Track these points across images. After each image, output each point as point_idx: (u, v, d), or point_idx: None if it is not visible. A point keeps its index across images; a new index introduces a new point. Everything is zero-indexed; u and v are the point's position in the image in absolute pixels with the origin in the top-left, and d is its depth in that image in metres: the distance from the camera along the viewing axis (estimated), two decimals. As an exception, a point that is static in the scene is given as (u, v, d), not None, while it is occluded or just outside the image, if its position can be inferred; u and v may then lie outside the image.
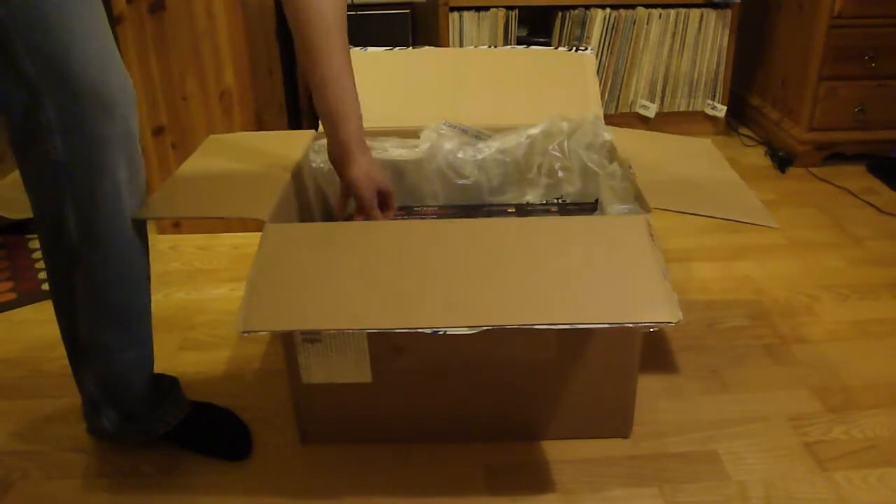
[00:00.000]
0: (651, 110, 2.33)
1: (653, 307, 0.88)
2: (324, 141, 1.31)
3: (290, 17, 1.00)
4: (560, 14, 2.24)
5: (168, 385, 1.15)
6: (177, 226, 1.85)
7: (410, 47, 1.46)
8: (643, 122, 2.36)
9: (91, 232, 0.94)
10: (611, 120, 2.13)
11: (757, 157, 2.27)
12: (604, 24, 2.23)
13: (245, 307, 0.90)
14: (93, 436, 1.17)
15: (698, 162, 1.23)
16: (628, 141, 1.29)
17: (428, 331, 0.86)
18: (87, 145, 0.88)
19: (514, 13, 2.22)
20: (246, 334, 0.88)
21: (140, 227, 1.00)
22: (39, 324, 1.50)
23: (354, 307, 0.89)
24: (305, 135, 1.33)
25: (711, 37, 2.27)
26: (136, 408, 1.10)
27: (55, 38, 0.83)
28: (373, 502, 1.06)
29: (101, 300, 0.99)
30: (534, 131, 1.31)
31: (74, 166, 0.89)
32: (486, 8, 2.21)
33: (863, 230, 1.81)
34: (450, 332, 0.86)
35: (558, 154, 1.31)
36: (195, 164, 1.21)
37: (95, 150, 0.89)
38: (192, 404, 1.17)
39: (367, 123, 1.34)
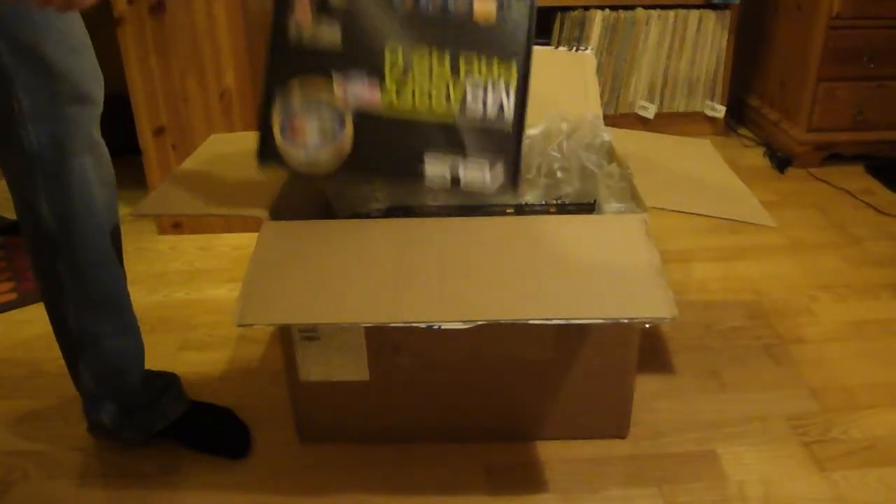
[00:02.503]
0: (650, 111, 2.34)
1: (648, 304, 0.88)
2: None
3: None
4: (559, 15, 2.25)
5: (167, 381, 1.16)
6: (177, 226, 1.86)
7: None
8: (642, 123, 2.37)
9: (64, 218, 0.96)
10: (610, 120, 2.13)
11: (756, 157, 2.27)
12: (603, 25, 2.24)
13: (241, 301, 0.91)
14: (93, 434, 1.18)
15: (697, 162, 1.24)
16: (627, 141, 1.29)
17: (422, 325, 0.87)
18: (56, 133, 0.90)
19: (514, 14, 2.22)
20: (242, 327, 0.89)
21: (110, 215, 1.01)
22: (39, 324, 1.50)
23: (350, 302, 0.90)
24: (305, 135, 1.33)
25: (710, 38, 2.28)
26: (134, 400, 1.11)
27: (30, 25, 0.84)
28: (372, 501, 1.06)
29: (85, 287, 1.01)
30: (533, 132, 1.32)
31: (45, 153, 0.91)
32: (486, 9, 2.21)
33: (861, 231, 1.81)
34: (444, 326, 0.87)
35: (557, 154, 1.31)
36: (195, 162, 1.21)
37: (65, 137, 0.91)
38: (192, 402, 1.18)
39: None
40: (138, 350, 1.11)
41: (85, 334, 1.05)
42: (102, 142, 0.99)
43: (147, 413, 1.13)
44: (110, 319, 1.06)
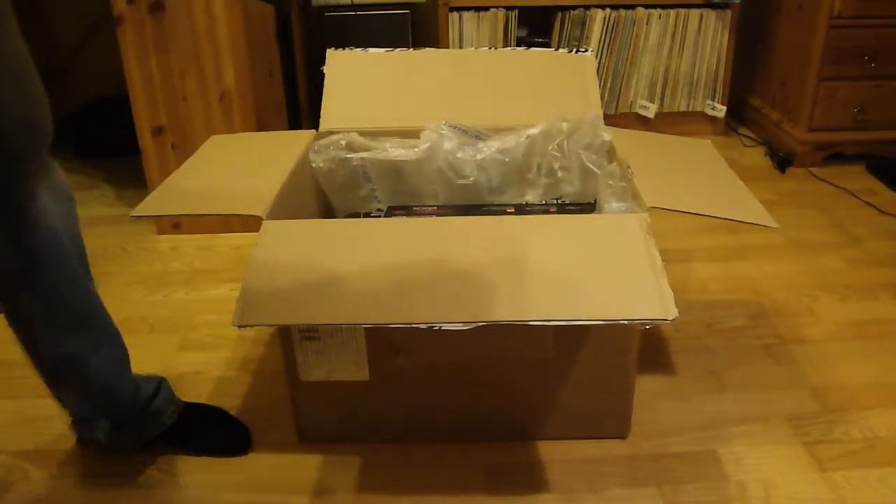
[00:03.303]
0: (651, 111, 2.34)
1: (648, 304, 0.88)
2: (324, 141, 1.31)
3: None
4: (560, 14, 2.24)
5: (156, 384, 1.13)
6: (177, 226, 1.85)
7: (410, 48, 1.46)
8: (643, 123, 2.36)
9: (23, 247, 0.91)
10: (610, 120, 2.12)
11: (757, 157, 2.27)
12: (603, 24, 2.23)
13: (241, 301, 0.91)
14: (86, 446, 1.16)
15: (697, 162, 1.23)
16: (627, 141, 1.29)
17: (423, 326, 0.87)
18: (6, 160, 0.85)
19: (514, 13, 2.22)
20: (242, 328, 0.88)
21: (70, 235, 0.97)
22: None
23: (350, 303, 0.90)
24: (305, 135, 1.33)
25: (711, 37, 2.28)
26: (127, 412, 1.09)
27: None
28: (372, 502, 1.06)
29: (55, 313, 0.97)
30: (533, 131, 1.32)
31: None
32: (486, 8, 2.21)
33: (862, 230, 1.81)
34: (445, 327, 0.87)
35: (557, 154, 1.31)
36: (196, 163, 1.21)
37: (16, 164, 0.86)
38: (186, 404, 1.17)
39: (368, 123, 1.34)
40: (122, 360, 1.07)
41: (62, 359, 1.01)
42: (55, 163, 0.94)
43: (142, 420, 1.10)
44: (87, 338, 1.01)
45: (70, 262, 0.97)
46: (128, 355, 1.08)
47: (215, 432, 1.16)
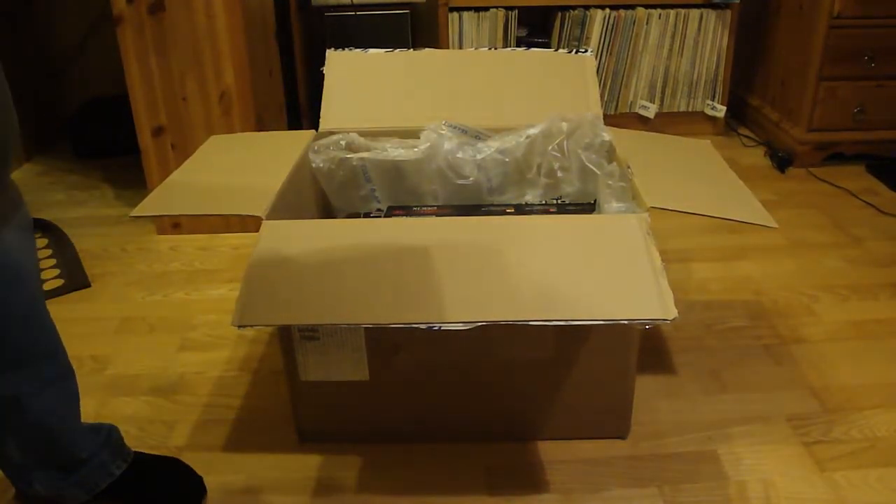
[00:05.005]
0: (651, 111, 2.33)
1: (648, 305, 0.88)
2: (323, 141, 1.31)
3: None
4: (560, 14, 2.24)
5: (105, 432, 1.02)
6: (177, 226, 1.86)
7: (410, 48, 1.46)
8: (643, 123, 2.36)
9: None
10: (610, 120, 2.13)
11: (756, 157, 2.27)
12: (603, 24, 2.23)
13: (241, 302, 0.91)
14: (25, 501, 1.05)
15: (697, 162, 1.23)
16: (627, 141, 1.29)
17: (423, 326, 0.87)
18: None
19: (514, 13, 2.22)
20: (242, 328, 0.88)
21: (27, 266, 0.87)
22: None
23: (350, 303, 0.90)
24: (305, 135, 1.33)
25: (711, 37, 2.28)
26: (72, 458, 0.98)
27: None
28: (372, 502, 1.06)
29: (1, 352, 0.88)
30: (533, 131, 1.32)
31: None
32: (486, 8, 2.21)
33: (862, 230, 1.81)
34: (445, 327, 0.87)
35: (557, 154, 1.32)
36: (195, 163, 1.22)
37: None
38: (135, 454, 1.06)
39: (368, 123, 1.34)
40: (72, 399, 0.97)
41: (2, 401, 0.90)
42: (16, 188, 0.87)
43: (89, 469, 1.00)
44: (28, 374, 0.90)
45: (25, 297, 0.87)
46: (78, 395, 0.98)
47: (168, 486, 1.05)
